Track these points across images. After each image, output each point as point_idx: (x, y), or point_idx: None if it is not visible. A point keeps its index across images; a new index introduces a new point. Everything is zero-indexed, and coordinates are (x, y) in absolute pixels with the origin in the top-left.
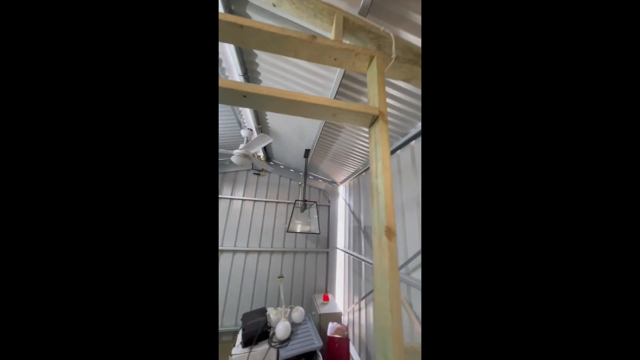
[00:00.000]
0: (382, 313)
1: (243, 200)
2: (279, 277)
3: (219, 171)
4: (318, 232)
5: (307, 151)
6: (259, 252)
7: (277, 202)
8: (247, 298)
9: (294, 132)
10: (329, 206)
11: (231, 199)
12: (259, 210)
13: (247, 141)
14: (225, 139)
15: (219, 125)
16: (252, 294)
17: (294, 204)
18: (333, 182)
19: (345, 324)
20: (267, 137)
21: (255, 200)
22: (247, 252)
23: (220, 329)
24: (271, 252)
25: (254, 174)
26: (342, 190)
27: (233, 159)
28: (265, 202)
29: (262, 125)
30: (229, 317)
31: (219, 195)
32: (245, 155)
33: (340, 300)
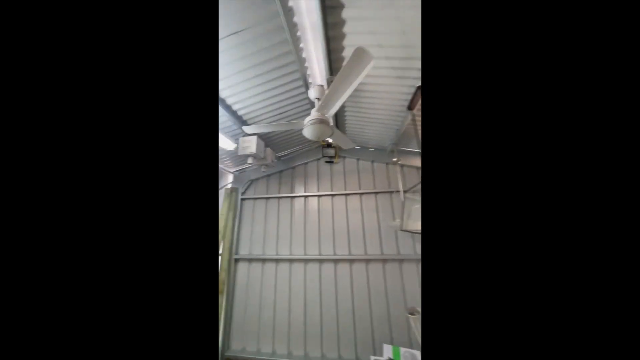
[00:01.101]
0: None
1: (319, 196)
2: (410, 314)
3: (289, 166)
4: None
5: (418, 90)
6: (351, 260)
7: (360, 194)
8: (345, 329)
9: (392, 63)
10: None
11: (305, 196)
12: (340, 206)
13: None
14: (289, 113)
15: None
16: (351, 322)
17: (392, 193)
18: None
19: None
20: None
21: (333, 195)
22: (335, 261)
23: None
24: (367, 261)
25: (326, 162)
26: None
27: (306, 132)
28: (346, 195)
29: (334, 71)
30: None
31: (292, 194)
32: (321, 122)
33: None
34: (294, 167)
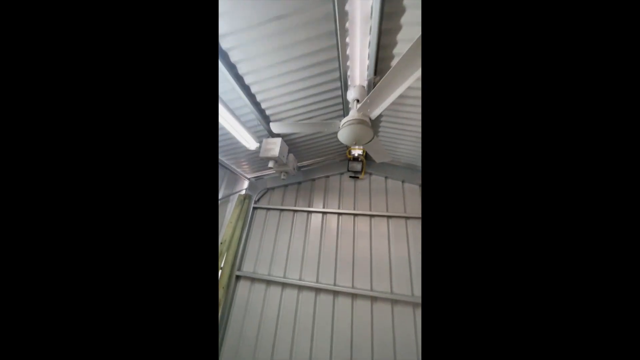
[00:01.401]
0: None
1: (340, 214)
2: None
3: (309, 178)
4: None
5: None
6: (373, 298)
7: (388, 217)
8: None
9: None
10: None
11: (324, 212)
12: (363, 228)
13: (358, 105)
14: (320, 116)
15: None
16: None
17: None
18: None
19: None
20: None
21: (356, 214)
22: (353, 295)
23: None
24: (393, 301)
25: (351, 177)
26: None
27: (342, 134)
28: (371, 216)
29: (380, 74)
30: None
31: (310, 208)
32: (362, 122)
33: None
34: (314, 180)
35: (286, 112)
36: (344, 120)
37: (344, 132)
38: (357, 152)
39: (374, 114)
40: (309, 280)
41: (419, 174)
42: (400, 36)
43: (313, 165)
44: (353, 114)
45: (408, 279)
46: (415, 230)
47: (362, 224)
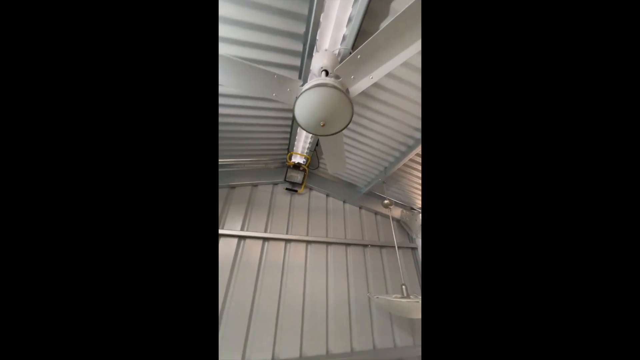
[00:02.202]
0: None
1: (266, 239)
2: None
3: (225, 183)
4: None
5: None
6: None
7: (327, 244)
8: None
9: None
10: (413, 249)
11: (242, 236)
12: (298, 257)
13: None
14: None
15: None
16: None
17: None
18: (412, 209)
19: None
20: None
21: (288, 240)
22: None
23: None
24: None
25: (287, 189)
26: None
27: (302, 103)
28: (307, 242)
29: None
30: None
31: (222, 229)
32: (338, 89)
33: None
34: (232, 187)
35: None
36: (312, 82)
37: (308, 100)
38: (300, 159)
39: (357, 87)
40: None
41: (359, 195)
42: (395, 4)
43: (235, 165)
44: (322, 79)
45: (347, 332)
46: (355, 257)
47: (297, 251)
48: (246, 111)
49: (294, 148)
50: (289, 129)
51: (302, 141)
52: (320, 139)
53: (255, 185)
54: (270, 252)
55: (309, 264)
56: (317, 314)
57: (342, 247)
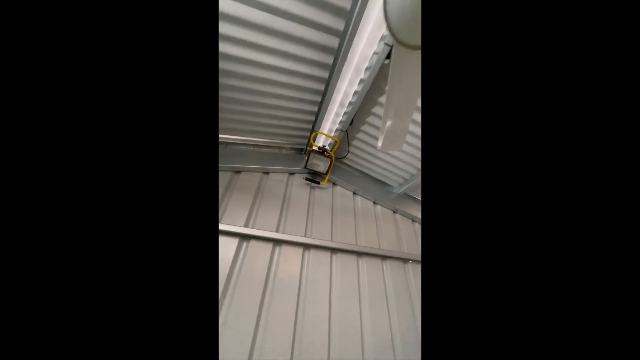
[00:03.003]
0: None
1: (277, 242)
2: None
3: (228, 164)
4: None
5: None
6: None
7: (357, 254)
8: None
9: None
10: None
11: (246, 235)
12: (321, 269)
13: None
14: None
15: None
16: None
17: None
18: None
19: None
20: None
21: (307, 245)
22: None
23: None
24: None
25: (306, 179)
26: None
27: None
28: (332, 250)
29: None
30: None
31: (221, 223)
32: None
33: None
34: (237, 171)
35: None
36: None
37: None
38: (328, 141)
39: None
40: None
41: (392, 196)
42: None
43: (243, 143)
44: None
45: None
46: (395, 275)
47: (319, 260)
48: (265, 73)
49: (320, 127)
50: (317, 102)
51: (331, 121)
52: (393, 73)
53: (267, 173)
54: (282, 260)
55: (334, 280)
56: (348, 356)
57: (378, 260)
